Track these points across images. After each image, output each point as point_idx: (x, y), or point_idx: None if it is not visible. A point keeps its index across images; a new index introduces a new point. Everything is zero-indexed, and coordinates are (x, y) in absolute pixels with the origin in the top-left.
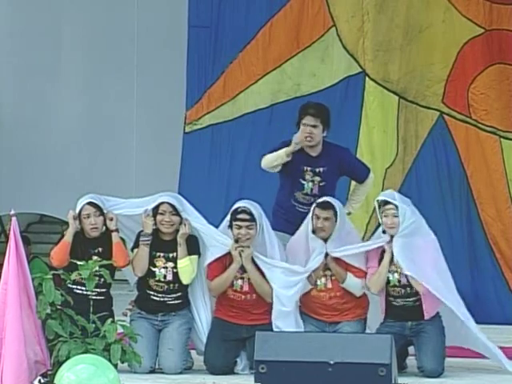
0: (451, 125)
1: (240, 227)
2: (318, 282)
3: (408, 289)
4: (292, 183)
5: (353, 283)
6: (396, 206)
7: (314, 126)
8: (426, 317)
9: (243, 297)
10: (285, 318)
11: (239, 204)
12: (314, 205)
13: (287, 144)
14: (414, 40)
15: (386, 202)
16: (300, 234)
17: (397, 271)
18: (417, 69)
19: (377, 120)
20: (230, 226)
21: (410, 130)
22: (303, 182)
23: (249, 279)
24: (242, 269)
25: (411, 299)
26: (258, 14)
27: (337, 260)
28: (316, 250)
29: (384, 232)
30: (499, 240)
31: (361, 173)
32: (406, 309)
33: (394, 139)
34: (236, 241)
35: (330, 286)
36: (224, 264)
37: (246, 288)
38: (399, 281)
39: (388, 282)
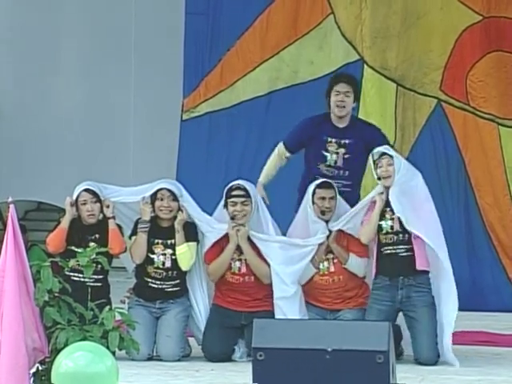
0: (449, 112)
1: (235, 204)
2: (321, 266)
3: (400, 235)
4: (315, 155)
5: (355, 263)
6: (391, 156)
7: (347, 94)
8: (418, 266)
9: (241, 279)
10: (288, 300)
11: (233, 182)
12: (311, 188)
13: (307, 122)
14: (411, 27)
15: (381, 154)
16: (298, 221)
17: (391, 218)
18: (415, 56)
19: (375, 107)
20: (226, 206)
21: (408, 118)
22: (326, 153)
23: (246, 260)
24: (240, 250)
25: (402, 247)
26: (255, 1)
27: (338, 241)
28: (319, 231)
29: (379, 179)
30: (496, 227)
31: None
32: (397, 258)
33: (391, 127)
34: (232, 218)
35: (332, 269)
36: (221, 247)
37: (243, 270)
38: (392, 227)
39: (381, 229)
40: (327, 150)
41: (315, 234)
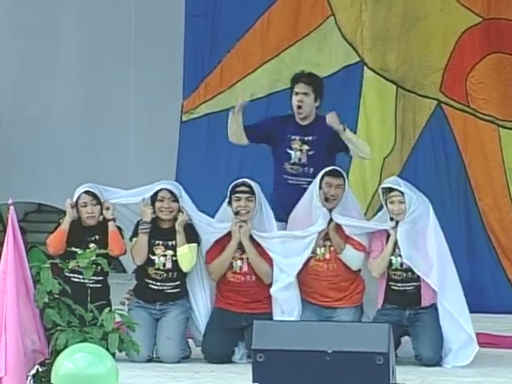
0: (449, 114)
1: (239, 199)
2: (318, 251)
3: (409, 273)
4: (280, 155)
5: (350, 255)
6: (402, 193)
7: (306, 94)
8: (424, 303)
9: (243, 278)
10: (284, 290)
11: (238, 180)
12: (321, 174)
13: (272, 118)
14: (411, 29)
15: (392, 189)
16: (302, 205)
17: (400, 255)
18: (415, 58)
19: (375, 109)
20: (230, 202)
21: (408, 119)
22: (290, 151)
23: (248, 259)
24: (241, 249)
25: (411, 284)
26: (255, 3)
27: (337, 230)
28: (320, 217)
29: (392, 219)
30: (496, 229)
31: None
32: (405, 294)
33: (391, 128)
34: (236, 214)
35: (328, 256)
36: (223, 246)
37: (245, 268)
38: (401, 264)
39: (390, 264)
40: (291, 148)
41: (316, 219)
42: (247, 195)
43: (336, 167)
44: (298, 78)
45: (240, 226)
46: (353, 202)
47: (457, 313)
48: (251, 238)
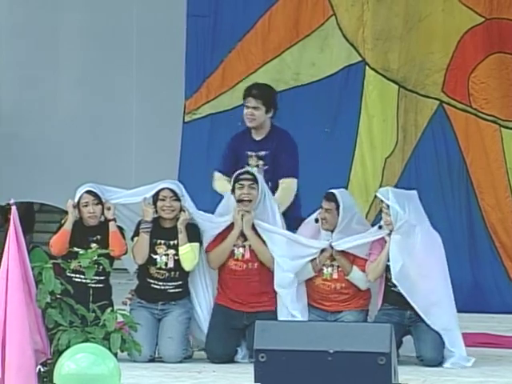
0: (451, 114)
1: (242, 186)
2: (325, 271)
3: None
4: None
5: (358, 276)
6: (388, 206)
7: (255, 108)
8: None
9: (245, 265)
10: (288, 285)
11: (242, 169)
12: None
13: (230, 144)
14: (413, 29)
15: (381, 200)
16: (312, 219)
17: None
18: (416, 58)
19: (376, 109)
20: (233, 191)
21: (410, 119)
22: (248, 167)
23: (250, 246)
24: (243, 237)
25: None
26: (257, 3)
27: (343, 252)
28: (322, 237)
29: (380, 227)
30: (498, 229)
31: (284, 170)
32: (403, 295)
33: (393, 128)
34: (238, 201)
35: (335, 276)
36: (224, 237)
37: (247, 256)
38: None
39: (388, 269)
40: (248, 164)
41: (321, 237)
42: (250, 182)
43: (334, 190)
44: (248, 92)
45: (242, 215)
46: (362, 225)
47: (445, 336)
48: (253, 228)
